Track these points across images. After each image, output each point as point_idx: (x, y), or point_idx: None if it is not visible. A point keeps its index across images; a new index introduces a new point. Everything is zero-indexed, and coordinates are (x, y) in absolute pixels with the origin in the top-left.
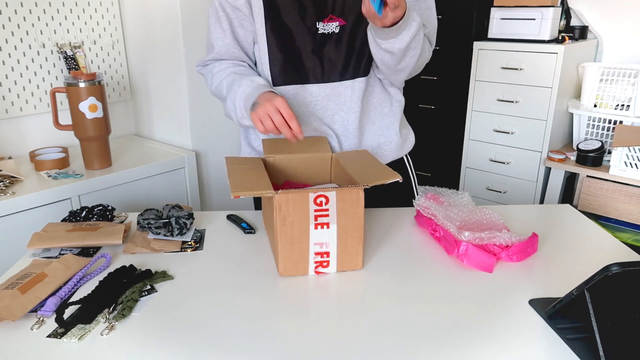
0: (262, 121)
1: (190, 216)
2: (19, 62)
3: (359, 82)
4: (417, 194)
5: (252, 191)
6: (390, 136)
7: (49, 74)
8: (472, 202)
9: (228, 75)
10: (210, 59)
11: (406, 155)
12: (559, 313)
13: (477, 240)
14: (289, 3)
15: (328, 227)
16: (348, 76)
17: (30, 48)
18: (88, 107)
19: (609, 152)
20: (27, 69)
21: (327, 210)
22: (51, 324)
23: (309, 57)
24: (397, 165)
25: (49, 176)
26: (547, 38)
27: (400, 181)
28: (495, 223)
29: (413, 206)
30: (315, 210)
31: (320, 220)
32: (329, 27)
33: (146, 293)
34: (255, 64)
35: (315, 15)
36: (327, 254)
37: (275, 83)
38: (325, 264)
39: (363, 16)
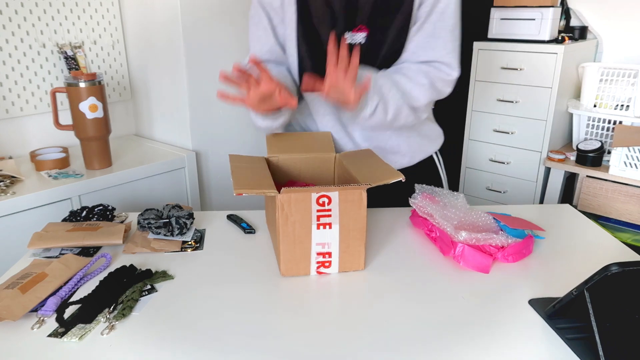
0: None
1: (190, 216)
2: (19, 62)
3: None
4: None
5: (255, 190)
6: (411, 136)
7: (50, 74)
8: (466, 204)
9: None
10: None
11: (436, 153)
12: (559, 313)
13: (474, 240)
14: (321, 10)
15: (330, 227)
16: None
17: (30, 48)
18: (88, 107)
19: (609, 152)
20: (27, 69)
21: (329, 210)
22: (51, 324)
23: None
24: (425, 163)
25: (49, 176)
26: (547, 38)
27: (403, 180)
28: (491, 226)
29: (409, 205)
30: (318, 211)
31: (322, 220)
32: (357, 37)
33: (146, 293)
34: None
35: (345, 25)
36: (329, 254)
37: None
38: (327, 264)
39: (389, 27)
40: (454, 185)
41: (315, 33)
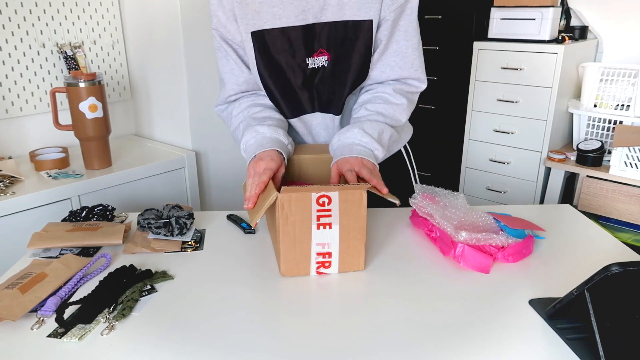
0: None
1: (190, 216)
2: (19, 62)
3: (337, 119)
4: (416, 183)
5: (262, 207)
6: None
7: (49, 74)
8: (466, 204)
9: (244, 119)
10: (228, 97)
11: (405, 147)
12: (559, 313)
13: (474, 241)
14: (279, 42)
15: (330, 227)
16: (337, 110)
17: (30, 48)
18: (88, 107)
19: (609, 152)
20: (27, 69)
21: (329, 210)
22: (51, 324)
23: (301, 90)
24: (394, 159)
25: (49, 176)
26: (547, 38)
27: (398, 204)
28: (491, 226)
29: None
30: (318, 211)
31: (322, 220)
32: (318, 61)
33: (146, 293)
34: None
35: (305, 52)
36: (329, 254)
37: None
38: (327, 264)
39: (349, 50)
40: (454, 185)
41: (276, 64)
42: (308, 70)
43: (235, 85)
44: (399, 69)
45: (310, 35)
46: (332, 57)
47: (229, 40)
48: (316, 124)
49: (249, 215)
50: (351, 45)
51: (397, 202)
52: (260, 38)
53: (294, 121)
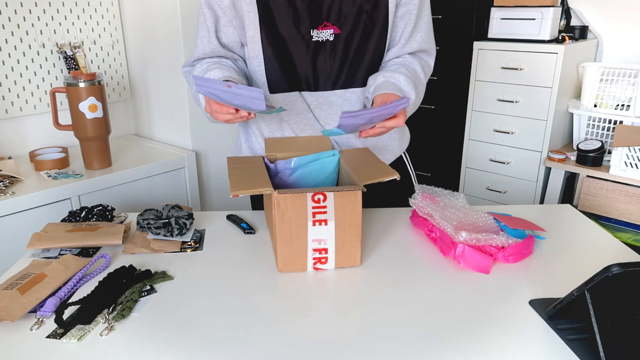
0: (217, 117)
1: (190, 216)
2: (18, 62)
3: (351, 92)
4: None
5: (251, 189)
6: (388, 140)
7: (49, 74)
8: (467, 204)
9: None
10: (195, 59)
11: (404, 153)
12: (560, 314)
13: (474, 241)
14: (284, 10)
15: (326, 223)
16: (339, 85)
17: (30, 48)
18: (88, 107)
19: (609, 152)
20: (27, 69)
21: (324, 207)
22: (51, 325)
23: (302, 65)
24: (396, 163)
25: (49, 176)
26: (547, 38)
27: (398, 179)
28: (491, 226)
29: (410, 205)
30: (314, 207)
31: (318, 217)
32: (323, 34)
33: (146, 293)
34: (245, 64)
35: (310, 23)
36: (326, 250)
37: (271, 90)
38: (323, 260)
39: (358, 25)
40: (454, 185)
41: (278, 34)
42: (312, 43)
43: (202, 53)
44: (424, 43)
45: (317, 6)
46: (340, 31)
47: (213, 4)
48: (316, 105)
49: (231, 185)
50: (366, 18)
51: (397, 176)
52: (266, 5)
53: (294, 95)
